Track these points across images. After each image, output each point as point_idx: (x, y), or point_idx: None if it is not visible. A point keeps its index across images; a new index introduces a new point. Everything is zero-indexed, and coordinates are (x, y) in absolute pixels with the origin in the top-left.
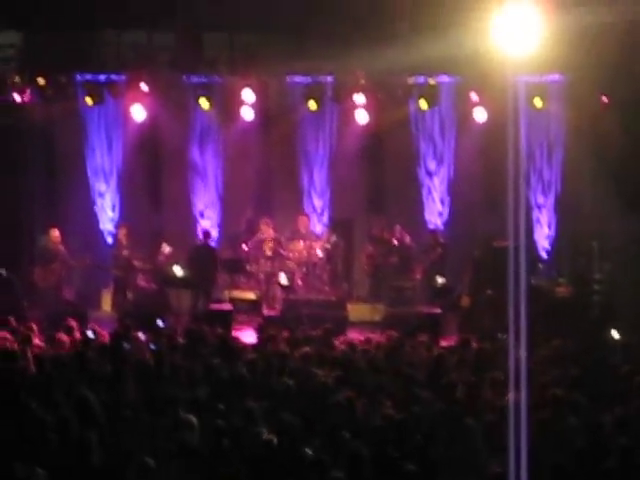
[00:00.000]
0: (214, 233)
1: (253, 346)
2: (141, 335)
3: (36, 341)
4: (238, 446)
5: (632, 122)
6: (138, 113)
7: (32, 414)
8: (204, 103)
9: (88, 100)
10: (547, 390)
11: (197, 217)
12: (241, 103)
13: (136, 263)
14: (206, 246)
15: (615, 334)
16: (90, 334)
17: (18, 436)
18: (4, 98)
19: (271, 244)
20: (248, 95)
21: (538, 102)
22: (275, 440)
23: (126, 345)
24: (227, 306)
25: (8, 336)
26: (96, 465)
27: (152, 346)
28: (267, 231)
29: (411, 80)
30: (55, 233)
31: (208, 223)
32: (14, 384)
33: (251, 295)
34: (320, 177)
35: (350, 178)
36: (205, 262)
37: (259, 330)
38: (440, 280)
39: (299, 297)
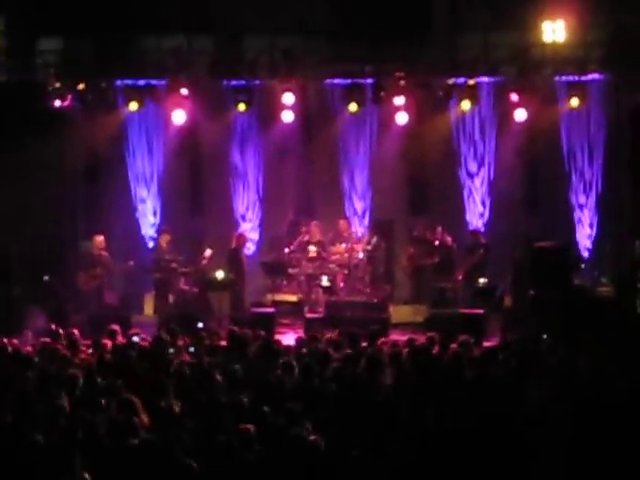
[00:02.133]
0: (254, 235)
1: (295, 348)
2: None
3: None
4: (282, 448)
5: None
6: (178, 118)
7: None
8: (241, 107)
9: (132, 106)
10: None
11: (238, 220)
12: (281, 106)
13: (177, 267)
14: (235, 250)
15: None
16: (136, 339)
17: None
18: (45, 104)
19: (315, 247)
20: (288, 98)
21: (575, 101)
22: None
23: (170, 349)
24: (269, 309)
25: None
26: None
27: (192, 349)
28: (315, 233)
29: (451, 81)
30: (99, 239)
31: (249, 226)
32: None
33: (293, 298)
34: (361, 179)
35: (391, 180)
36: (235, 266)
37: (302, 332)
38: (482, 281)
39: (341, 299)
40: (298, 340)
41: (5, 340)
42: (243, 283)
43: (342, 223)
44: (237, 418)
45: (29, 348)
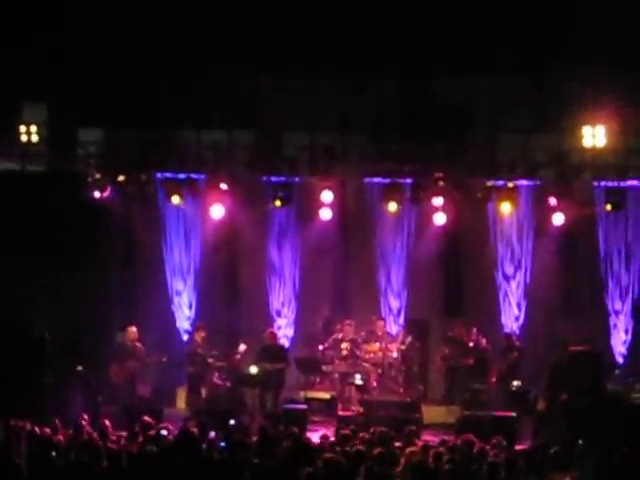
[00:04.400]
0: (289, 332)
1: (327, 445)
2: (212, 434)
3: (111, 437)
4: None
5: None
6: (217, 212)
7: None
8: (278, 203)
9: (174, 200)
10: None
11: (273, 316)
12: (320, 203)
13: (211, 361)
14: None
15: None
16: (163, 432)
17: None
18: (84, 194)
19: (348, 345)
20: (327, 196)
21: (612, 207)
22: None
23: (202, 444)
24: (302, 406)
25: (83, 431)
26: None
27: (222, 444)
28: (348, 332)
29: (490, 183)
30: (132, 330)
31: (284, 322)
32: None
33: (326, 395)
34: (397, 278)
35: (427, 279)
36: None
37: (334, 430)
38: (515, 384)
39: (374, 398)
40: (325, 438)
41: (36, 428)
42: (277, 379)
43: (377, 323)
44: None
45: (60, 437)
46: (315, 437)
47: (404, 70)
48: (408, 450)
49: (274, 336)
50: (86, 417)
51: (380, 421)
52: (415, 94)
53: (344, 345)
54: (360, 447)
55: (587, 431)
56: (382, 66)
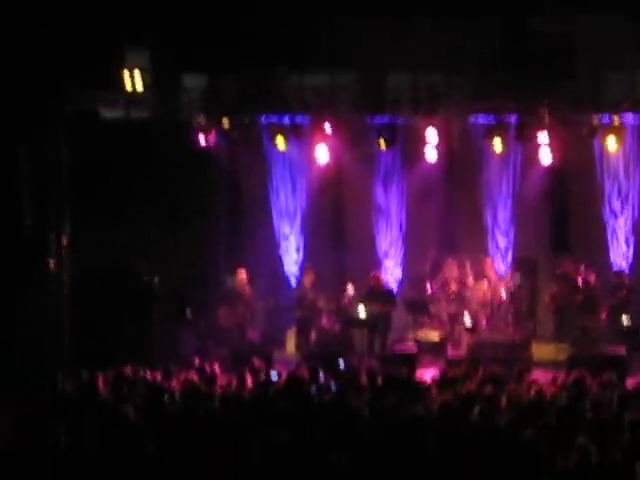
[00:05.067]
0: (397, 273)
1: (438, 386)
2: (322, 376)
3: (220, 381)
4: None
5: None
6: (322, 154)
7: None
8: (382, 144)
9: (279, 143)
10: None
11: (381, 257)
12: (424, 143)
13: (320, 304)
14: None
15: None
16: (274, 376)
17: None
18: (189, 141)
19: (455, 284)
20: (431, 135)
21: None
22: None
23: (312, 387)
24: (411, 347)
25: (194, 376)
26: None
27: (333, 387)
28: (451, 270)
29: (596, 119)
30: (242, 274)
31: (392, 263)
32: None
33: (435, 336)
34: (504, 216)
35: (534, 217)
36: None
37: (444, 371)
38: (626, 320)
39: (483, 338)
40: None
41: (148, 372)
42: (385, 321)
43: (486, 261)
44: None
45: (172, 382)
46: (425, 377)
47: (506, 7)
48: (512, 388)
49: (378, 279)
50: (197, 361)
51: (490, 360)
52: (518, 32)
53: (452, 286)
54: (471, 387)
55: None
56: (484, 4)
